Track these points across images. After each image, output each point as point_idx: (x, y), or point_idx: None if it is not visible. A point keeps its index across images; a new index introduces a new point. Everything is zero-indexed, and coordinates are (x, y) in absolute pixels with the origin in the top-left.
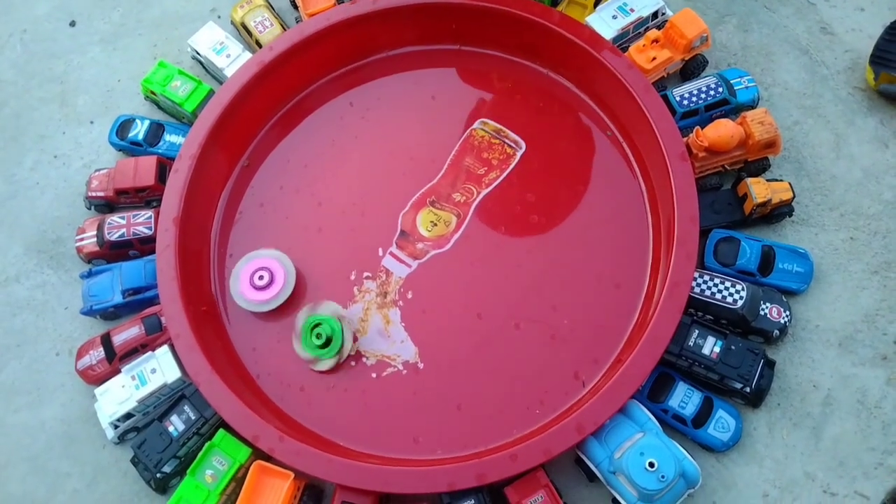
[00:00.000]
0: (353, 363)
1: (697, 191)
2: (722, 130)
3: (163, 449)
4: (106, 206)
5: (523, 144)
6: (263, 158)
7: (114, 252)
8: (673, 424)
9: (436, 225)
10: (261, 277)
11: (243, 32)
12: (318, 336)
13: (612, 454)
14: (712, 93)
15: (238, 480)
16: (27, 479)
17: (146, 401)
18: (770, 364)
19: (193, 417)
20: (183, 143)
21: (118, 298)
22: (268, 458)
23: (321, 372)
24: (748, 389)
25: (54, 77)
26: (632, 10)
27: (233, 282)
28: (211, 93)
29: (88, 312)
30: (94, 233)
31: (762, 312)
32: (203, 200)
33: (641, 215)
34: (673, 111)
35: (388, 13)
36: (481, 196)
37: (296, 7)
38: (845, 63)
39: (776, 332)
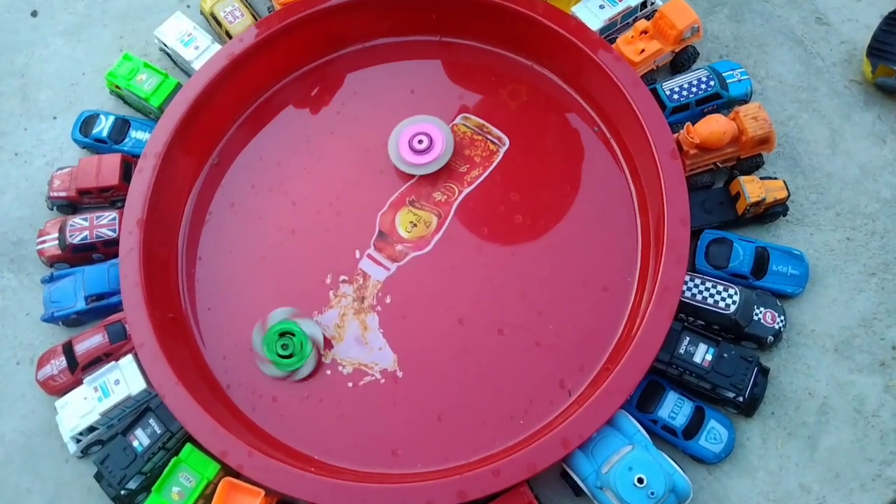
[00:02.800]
0: (328, 371)
1: (688, 190)
2: (714, 126)
3: (127, 465)
4: (69, 206)
5: (507, 141)
6: (234, 156)
7: (76, 255)
8: (662, 435)
9: (415, 225)
10: (420, 141)
11: (213, 23)
12: (285, 346)
13: (599, 468)
14: (704, 86)
15: (206, 497)
16: None
17: (110, 413)
18: (764, 371)
19: (159, 431)
20: (148, 141)
21: (81, 304)
22: (238, 475)
23: (267, 374)
24: (741, 399)
25: (15, 70)
26: (620, 0)
27: (391, 143)
28: (179, 87)
29: (50, 319)
30: (56, 235)
31: (756, 317)
32: (170, 201)
33: (630, 215)
34: (662, 106)
35: (364, 2)
36: (463, 195)
37: None
38: (841, 55)
39: (770, 337)
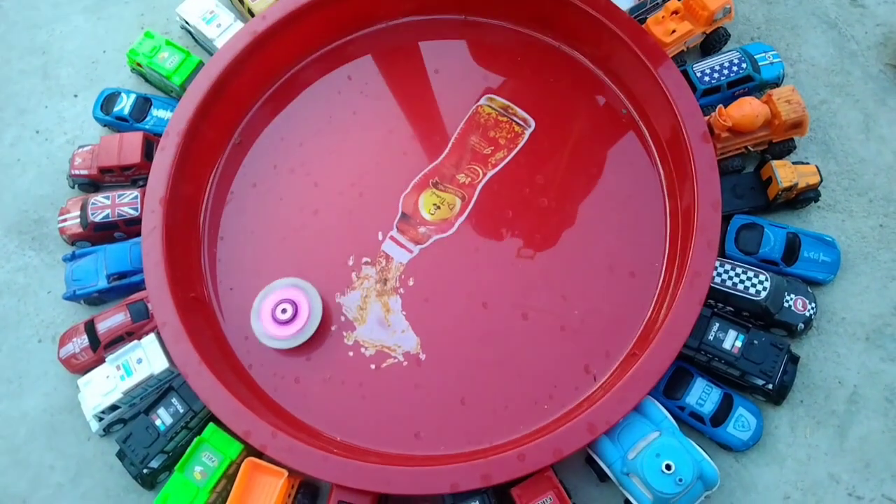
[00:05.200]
0: (350, 353)
1: (719, 174)
2: (747, 109)
3: (150, 443)
4: (90, 184)
5: (532, 123)
6: (256, 136)
7: (98, 234)
8: (690, 422)
9: (439, 208)
10: (283, 311)
11: (235, 1)
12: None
13: (625, 454)
14: (735, 69)
15: (229, 477)
16: (8, 472)
17: (132, 392)
18: (794, 359)
19: (182, 410)
20: (170, 119)
21: (103, 283)
22: (260, 455)
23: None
24: (771, 386)
25: (36, 48)
26: None
27: (253, 318)
28: (200, 65)
29: (72, 297)
30: (78, 213)
31: (786, 304)
32: (192, 180)
33: (658, 200)
34: (693, 88)
35: None
36: (487, 177)
37: None
38: (876, 38)
39: (801, 325)
